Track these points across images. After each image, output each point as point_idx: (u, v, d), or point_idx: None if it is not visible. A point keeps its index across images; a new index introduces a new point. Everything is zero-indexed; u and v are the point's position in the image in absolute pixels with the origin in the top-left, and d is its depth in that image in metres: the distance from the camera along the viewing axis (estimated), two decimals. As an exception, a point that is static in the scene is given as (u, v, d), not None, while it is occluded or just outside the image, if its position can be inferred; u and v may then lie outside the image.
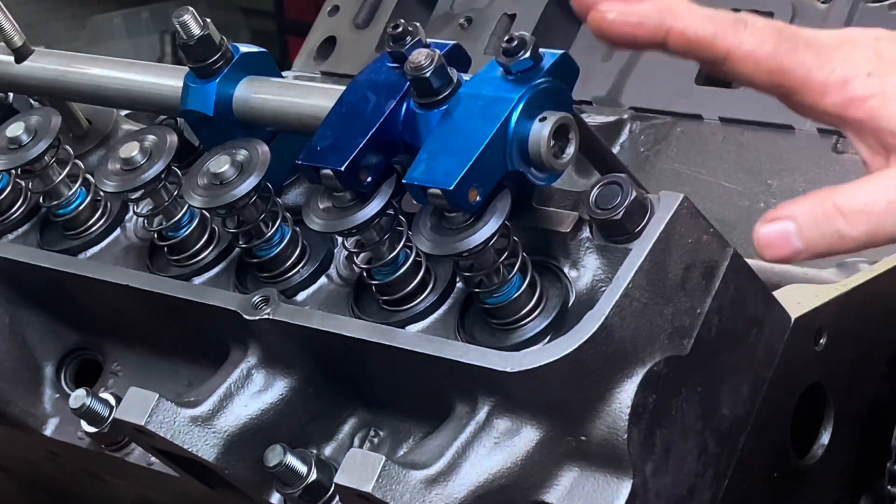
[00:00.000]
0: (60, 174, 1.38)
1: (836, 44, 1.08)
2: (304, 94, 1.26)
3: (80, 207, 1.39)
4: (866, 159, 1.08)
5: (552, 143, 1.08)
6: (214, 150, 1.25)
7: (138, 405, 1.17)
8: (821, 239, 1.02)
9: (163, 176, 1.28)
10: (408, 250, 1.19)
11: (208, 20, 1.25)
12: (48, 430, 1.41)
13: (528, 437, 1.12)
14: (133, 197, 1.31)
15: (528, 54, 1.08)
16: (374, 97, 1.16)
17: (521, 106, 1.08)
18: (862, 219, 1.01)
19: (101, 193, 1.38)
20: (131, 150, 1.28)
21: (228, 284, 1.30)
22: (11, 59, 1.39)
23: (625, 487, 1.12)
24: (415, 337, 1.16)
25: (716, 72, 1.11)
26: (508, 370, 1.07)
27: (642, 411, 1.11)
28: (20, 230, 1.45)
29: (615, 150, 1.86)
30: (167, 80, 1.33)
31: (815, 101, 1.07)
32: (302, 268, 1.27)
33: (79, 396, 1.25)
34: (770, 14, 1.90)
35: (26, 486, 1.70)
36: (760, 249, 1.03)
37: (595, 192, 1.13)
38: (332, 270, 1.28)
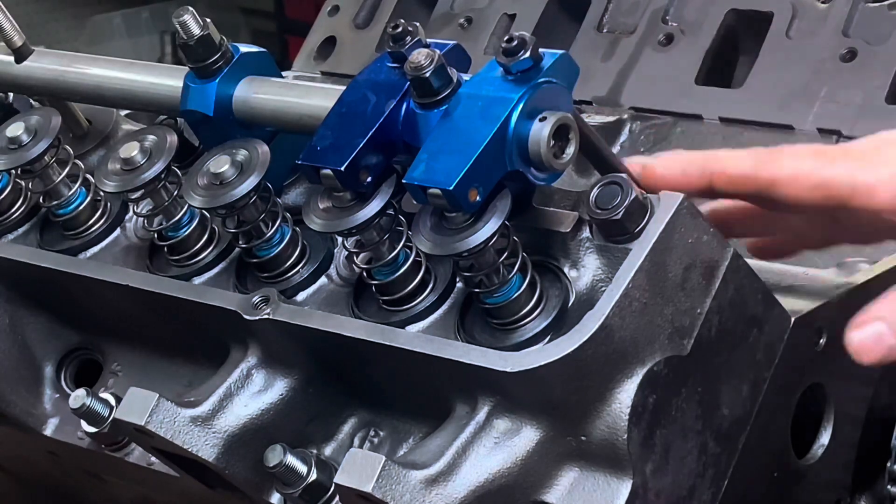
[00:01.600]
0: (60, 174, 1.38)
1: (874, 147, 1.10)
2: (304, 94, 1.26)
3: (80, 207, 1.39)
4: None
5: (552, 143, 1.08)
6: (214, 150, 1.25)
7: (138, 405, 1.17)
8: None
9: (163, 176, 1.28)
10: (408, 250, 1.19)
11: (208, 20, 1.25)
12: (48, 430, 1.41)
13: (528, 437, 1.12)
14: (133, 197, 1.31)
15: (528, 54, 1.08)
16: (374, 97, 1.16)
17: (521, 106, 1.08)
18: None
19: (101, 193, 1.38)
20: (131, 150, 1.28)
21: (228, 284, 1.30)
22: (11, 59, 1.39)
23: (625, 487, 1.12)
24: (415, 337, 1.16)
25: (770, 206, 1.13)
26: (508, 370, 1.07)
27: (642, 411, 1.11)
28: (20, 230, 1.45)
29: (615, 150, 1.86)
30: (167, 80, 1.33)
31: (866, 203, 1.10)
32: (302, 268, 1.27)
33: (79, 396, 1.25)
34: (770, 15, 1.90)
35: (26, 486, 1.70)
36: (858, 355, 1.07)
37: (595, 192, 1.13)
38: (332, 270, 1.28)
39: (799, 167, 1.11)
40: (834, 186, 1.10)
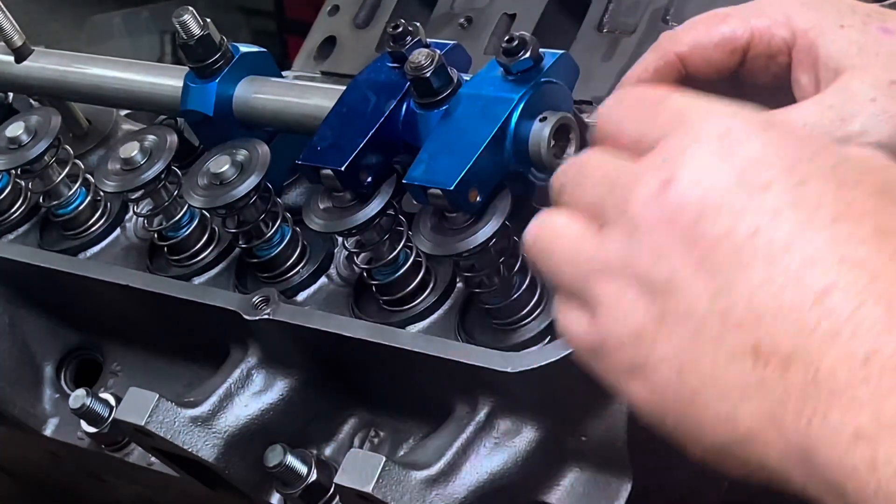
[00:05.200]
0: (60, 174, 1.38)
1: None
2: (304, 94, 1.26)
3: (80, 207, 1.39)
4: (796, 93, 1.08)
5: (552, 143, 1.08)
6: (214, 150, 1.25)
7: (138, 405, 1.17)
8: None
9: (163, 176, 1.28)
10: (408, 250, 1.19)
11: (208, 20, 1.25)
12: (48, 430, 1.41)
13: (528, 437, 1.12)
14: (133, 197, 1.31)
15: (528, 54, 1.08)
16: (374, 97, 1.16)
17: (521, 106, 1.08)
18: None
19: (101, 193, 1.38)
20: (131, 150, 1.28)
21: (228, 284, 1.30)
22: (11, 59, 1.39)
23: (625, 487, 1.12)
24: (415, 337, 1.16)
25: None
26: (509, 370, 1.07)
27: (642, 411, 1.11)
28: (20, 230, 1.45)
29: (615, 150, 1.86)
30: (167, 80, 1.33)
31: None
32: (302, 268, 1.27)
33: (79, 396, 1.25)
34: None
35: (26, 486, 1.70)
36: None
37: (595, 192, 1.13)
38: (332, 270, 1.28)
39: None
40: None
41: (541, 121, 1.08)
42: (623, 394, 0.87)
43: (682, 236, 0.80)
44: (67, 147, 1.39)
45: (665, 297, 0.81)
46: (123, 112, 1.52)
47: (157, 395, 1.17)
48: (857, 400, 0.74)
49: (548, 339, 1.13)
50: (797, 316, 0.77)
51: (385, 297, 1.21)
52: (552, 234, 0.88)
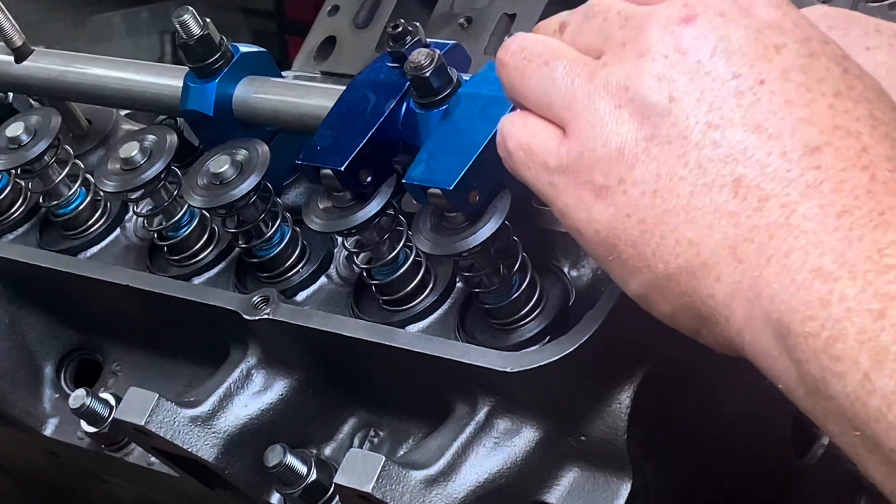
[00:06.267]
0: (60, 174, 1.38)
1: None
2: (304, 94, 1.26)
3: (80, 207, 1.39)
4: None
5: (552, 143, 1.08)
6: (214, 150, 1.25)
7: (138, 405, 1.17)
8: None
9: (163, 176, 1.28)
10: (408, 250, 1.19)
11: (208, 20, 1.25)
12: (48, 430, 1.41)
13: (528, 437, 1.12)
14: (133, 197, 1.31)
15: (528, 54, 1.08)
16: (374, 97, 1.16)
17: (521, 106, 1.08)
18: None
19: (101, 193, 1.38)
20: (131, 150, 1.28)
21: (228, 284, 1.30)
22: (11, 59, 1.39)
23: (625, 487, 1.12)
24: (415, 337, 1.16)
25: None
26: (508, 370, 1.07)
27: (642, 411, 1.11)
28: (20, 230, 1.45)
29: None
30: (167, 79, 1.33)
31: None
32: (302, 268, 1.27)
33: (78, 396, 1.25)
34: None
35: (26, 486, 1.70)
36: None
37: (595, 192, 1.13)
38: (332, 270, 1.28)
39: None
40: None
41: (540, 121, 1.08)
42: (576, 215, 0.89)
43: (691, 67, 0.85)
44: (67, 147, 1.39)
45: (659, 120, 0.85)
46: (123, 112, 1.52)
47: (157, 395, 1.17)
48: (823, 244, 0.78)
49: (547, 339, 1.13)
50: (785, 162, 0.81)
51: (385, 297, 1.21)
52: (541, 50, 0.91)
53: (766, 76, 0.84)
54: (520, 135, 0.93)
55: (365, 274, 1.21)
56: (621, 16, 0.89)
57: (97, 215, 1.40)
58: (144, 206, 1.32)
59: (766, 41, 0.85)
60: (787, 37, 0.85)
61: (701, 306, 0.86)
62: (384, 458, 1.06)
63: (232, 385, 1.22)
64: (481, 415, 1.12)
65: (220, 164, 1.22)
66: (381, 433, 1.24)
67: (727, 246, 0.83)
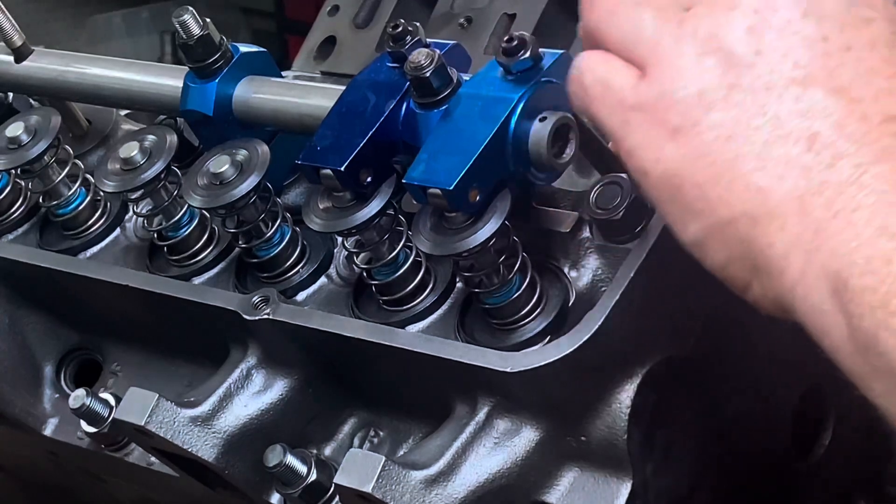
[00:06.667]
0: (60, 174, 1.37)
1: None
2: (304, 94, 1.26)
3: (80, 207, 1.39)
4: None
5: (552, 143, 1.08)
6: (214, 150, 1.25)
7: (138, 405, 1.17)
8: None
9: (162, 176, 1.28)
10: (408, 250, 1.19)
11: (208, 20, 1.25)
12: (48, 430, 1.41)
13: (528, 437, 1.12)
14: (133, 197, 1.31)
15: (528, 54, 1.08)
16: (374, 97, 1.16)
17: (521, 106, 1.08)
18: None
19: (101, 193, 1.38)
20: (131, 150, 1.28)
21: (228, 284, 1.30)
22: (11, 59, 1.39)
23: (625, 487, 1.12)
24: (415, 337, 1.16)
25: None
26: (508, 370, 1.07)
27: (642, 411, 1.11)
28: (20, 230, 1.45)
29: (615, 150, 1.86)
30: (167, 79, 1.33)
31: None
32: (302, 268, 1.27)
33: (78, 396, 1.25)
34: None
35: (26, 486, 1.70)
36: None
37: (595, 192, 1.13)
38: (332, 270, 1.28)
39: None
40: None
41: (541, 121, 1.08)
42: (645, 154, 0.91)
43: (781, 25, 0.87)
44: (67, 147, 1.39)
45: (744, 70, 0.87)
46: (123, 112, 1.52)
47: (157, 395, 1.17)
48: (892, 205, 0.81)
49: (547, 339, 1.13)
50: (863, 125, 0.84)
51: (385, 297, 1.21)
52: (628, 2, 0.94)
53: (854, 43, 0.87)
54: (599, 69, 0.95)
55: (365, 274, 1.21)
56: None
57: (97, 215, 1.40)
58: (144, 206, 1.32)
59: (857, 13, 0.88)
60: (877, 13, 0.88)
61: (758, 255, 0.87)
62: (384, 458, 1.06)
63: (232, 385, 1.22)
64: (481, 415, 1.12)
65: (220, 164, 1.22)
66: (381, 433, 1.24)
67: (795, 197, 0.84)
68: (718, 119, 0.87)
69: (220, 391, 1.22)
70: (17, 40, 1.36)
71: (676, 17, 0.91)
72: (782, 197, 0.85)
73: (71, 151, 1.40)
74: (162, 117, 1.42)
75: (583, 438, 1.12)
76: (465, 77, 1.13)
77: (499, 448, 1.12)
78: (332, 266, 1.28)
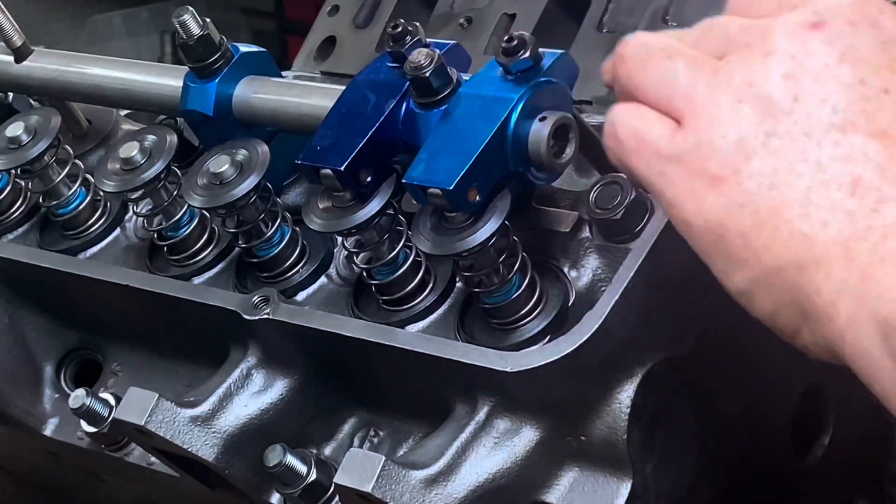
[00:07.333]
0: (60, 174, 1.38)
1: None
2: (304, 94, 1.26)
3: (80, 207, 1.39)
4: None
5: (552, 143, 1.08)
6: (214, 150, 1.25)
7: (138, 405, 1.17)
8: None
9: (162, 176, 1.28)
10: (408, 250, 1.19)
11: (208, 20, 1.25)
12: (48, 430, 1.41)
13: (528, 437, 1.12)
14: (133, 197, 1.31)
15: (528, 54, 1.08)
16: (373, 97, 1.16)
17: (520, 106, 1.08)
18: None
19: (101, 193, 1.38)
20: (131, 149, 1.28)
21: (228, 284, 1.30)
22: (11, 59, 1.39)
23: (625, 487, 1.12)
24: (415, 337, 1.16)
25: None
26: (508, 370, 1.07)
27: (642, 411, 1.11)
28: (20, 230, 1.45)
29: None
30: (167, 79, 1.33)
31: None
32: (302, 268, 1.27)
33: (78, 396, 1.25)
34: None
35: (26, 486, 1.70)
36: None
37: (595, 192, 1.13)
38: (331, 270, 1.28)
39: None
40: None
41: (540, 121, 1.08)
42: (685, 205, 0.90)
43: (818, 70, 0.87)
44: (67, 147, 1.39)
45: (782, 116, 0.86)
46: (123, 112, 1.52)
47: (157, 395, 1.17)
48: None
49: (547, 339, 1.13)
50: None
51: (384, 297, 1.21)
52: (664, 49, 0.93)
53: (892, 86, 0.86)
54: (633, 122, 0.94)
55: (365, 274, 1.21)
56: (744, 25, 0.91)
57: (97, 215, 1.40)
58: (144, 206, 1.32)
59: (892, 53, 0.87)
60: None
61: (805, 302, 0.86)
62: (384, 458, 1.06)
63: (232, 385, 1.22)
64: (481, 415, 1.12)
65: (220, 164, 1.22)
66: (381, 433, 1.24)
67: (840, 243, 0.84)
68: (759, 167, 0.86)
69: (220, 391, 1.22)
70: (17, 40, 1.36)
71: (710, 66, 0.90)
72: (827, 243, 0.84)
73: (71, 151, 1.40)
74: (162, 117, 1.42)
75: (583, 438, 1.12)
76: (465, 77, 1.14)
77: (499, 448, 1.12)
78: (332, 266, 1.28)
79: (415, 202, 1.11)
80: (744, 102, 0.88)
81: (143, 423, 1.17)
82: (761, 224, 0.86)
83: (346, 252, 1.23)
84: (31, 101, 1.51)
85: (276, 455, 1.16)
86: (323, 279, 1.27)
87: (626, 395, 1.11)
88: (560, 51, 1.11)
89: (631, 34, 0.96)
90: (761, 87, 0.88)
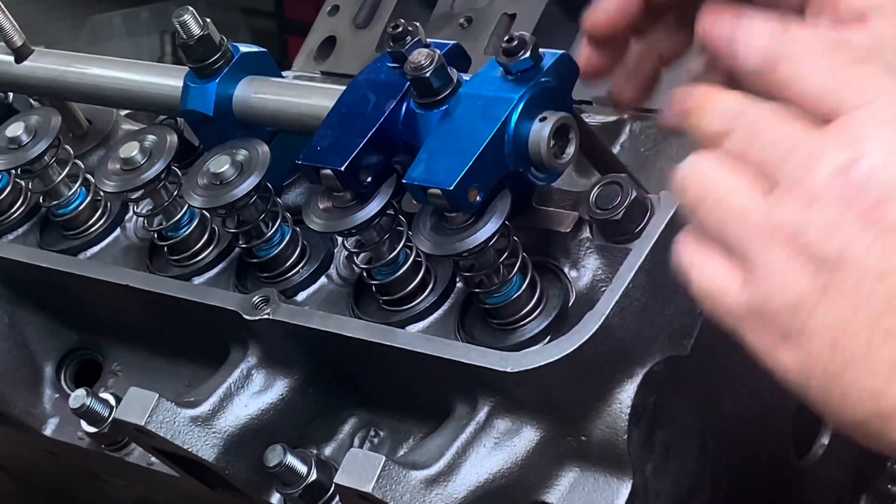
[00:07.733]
0: (60, 174, 1.38)
1: None
2: (304, 94, 1.26)
3: (80, 207, 1.39)
4: None
5: (552, 143, 1.08)
6: (214, 150, 1.25)
7: (138, 405, 1.17)
8: None
9: (163, 176, 1.28)
10: (408, 250, 1.19)
11: (208, 20, 1.25)
12: (48, 430, 1.41)
13: (528, 437, 1.12)
14: (133, 197, 1.31)
15: (528, 54, 1.08)
16: (374, 97, 1.16)
17: (521, 106, 1.08)
18: None
19: (101, 193, 1.38)
20: (131, 150, 1.28)
21: (228, 284, 1.30)
22: (11, 59, 1.39)
23: (625, 487, 1.12)
24: (415, 337, 1.16)
25: None
26: (508, 370, 1.07)
27: (642, 411, 1.11)
28: (20, 230, 1.45)
29: (615, 150, 1.86)
30: (167, 80, 1.33)
31: None
32: (302, 268, 1.27)
33: (79, 396, 1.25)
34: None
35: (26, 486, 1.70)
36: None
37: (595, 192, 1.13)
38: (332, 270, 1.28)
39: None
40: None
41: (540, 121, 1.08)
42: (767, 360, 0.90)
43: (861, 215, 0.84)
44: (67, 147, 1.39)
45: (832, 271, 0.84)
46: (123, 112, 1.52)
47: (157, 395, 1.17)
48: None
49: (547, 339, 1.13)
50: None
51: (385, 297, 1.21)
52: (715, 184, 0.90)
53: None
54: (702, 280, 0.92)
55: (365, 274, 1.21)
56: (786, 143, 0.88)
57: (97, 215, 1.40)
58: (144, 206, 1.32)
59: None
60: None
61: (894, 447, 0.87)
62: (384, 458, 1.06)
63: (232, 385, 1.22)
64: (481, 415, 1.12)
65: (220, 164, 1.22)
66: (381, 433, 1.24)
67: None
68: (818, 325, 0.85)
69: (221, 391, 1.22)
70: (17, 40, 1.36)
71: (760, 211, 0.87)
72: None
73: (71, 151, 1.40)
74: (162, 117, 1.42)
75: (583, 438, 1.12)
76: (465, 77, 1.13)
77: (499, 448, 1.12)
78: (332, 266, 1.28)
79: (415, 202, 1.11)
80: (795, 257, 0.86)
81: (143, 423, 1.17)
82: (832, 381, 0.86)
83: (347, 252, 1.23)
84: (32, 101, 1.51)
85: (276, 455, 1.16)
86: (323, 279, 1.27)
87: (626, 395, 1.11)
88: (560, 51, 1.11)
89: (688, 160, 0.92)
90: (809, 241, 0.85)
